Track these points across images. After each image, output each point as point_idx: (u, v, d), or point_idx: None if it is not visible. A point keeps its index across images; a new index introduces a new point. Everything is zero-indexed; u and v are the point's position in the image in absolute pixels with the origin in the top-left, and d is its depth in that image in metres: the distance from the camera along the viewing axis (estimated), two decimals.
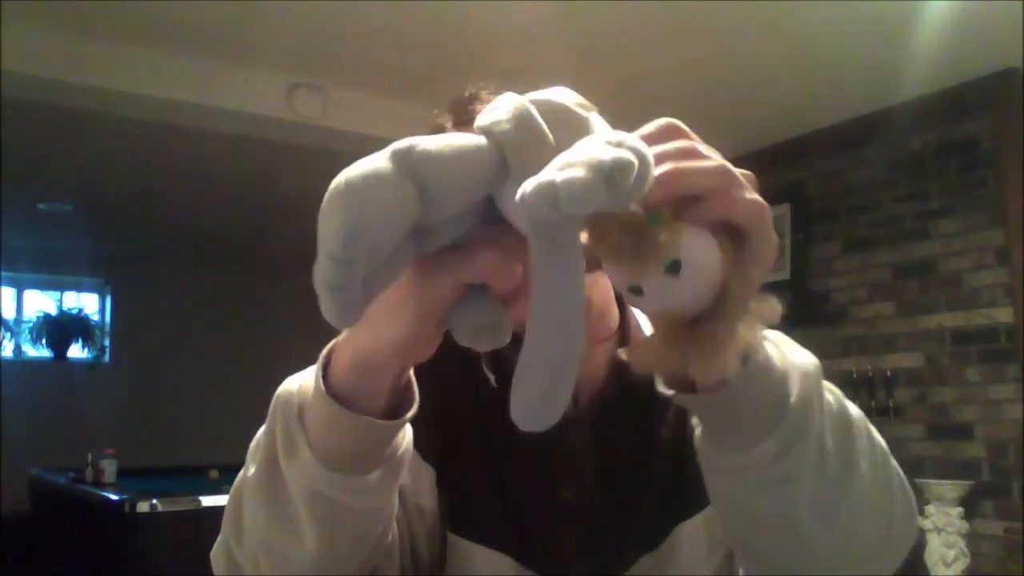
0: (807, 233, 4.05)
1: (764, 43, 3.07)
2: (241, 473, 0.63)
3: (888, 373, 3.67)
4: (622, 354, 0.47)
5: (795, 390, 0.54)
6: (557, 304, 0.43)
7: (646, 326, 0.86)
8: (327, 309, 0.42)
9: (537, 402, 0.44)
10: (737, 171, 0.46)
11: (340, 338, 0.54)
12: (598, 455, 0.78)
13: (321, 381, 0.52)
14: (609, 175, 0.36)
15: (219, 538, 0.66)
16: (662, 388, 0.56)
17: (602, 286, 0.80)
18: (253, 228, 5.59)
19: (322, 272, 0.40)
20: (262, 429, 0.60)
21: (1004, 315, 3.34)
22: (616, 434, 0.78)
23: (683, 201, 0.43)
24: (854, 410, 0.61)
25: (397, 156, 0.40)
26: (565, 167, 0.37)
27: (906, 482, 0.65)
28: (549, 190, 0.36)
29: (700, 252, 0.42)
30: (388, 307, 0.48)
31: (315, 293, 0.42)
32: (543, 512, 0.77)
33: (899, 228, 3.71)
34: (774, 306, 0.46)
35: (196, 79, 3.15)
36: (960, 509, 3.24)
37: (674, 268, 0.41)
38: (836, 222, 3.97)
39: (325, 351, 0.55)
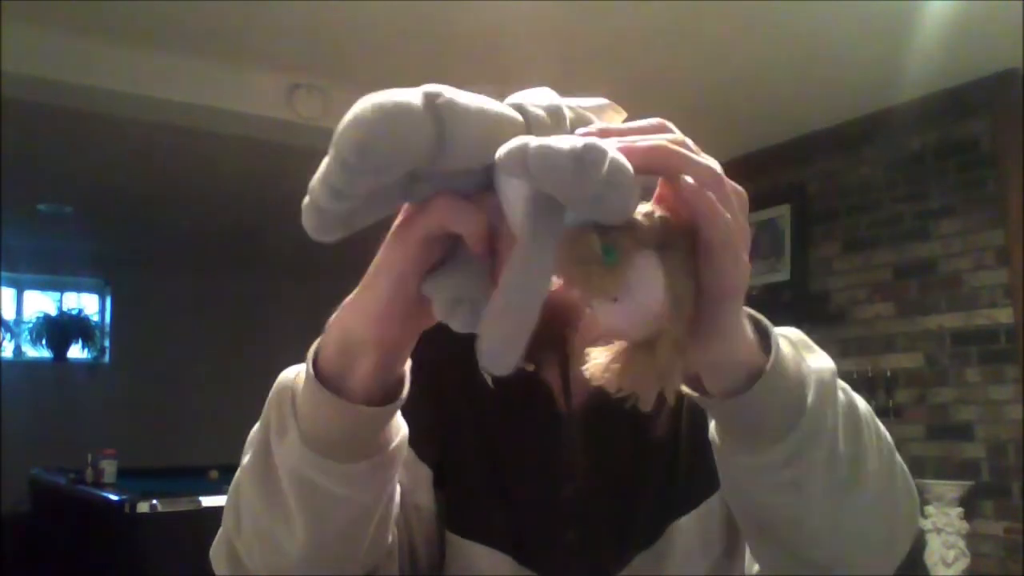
0: (807, 233, 4.05)
1: (764, 43, 3.07)
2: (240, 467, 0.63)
3: (888, 373, 3.67)
4: (585, 370, 0.48)
5: (810, 396, 0.53)
6: (532, 276, 0.44)
7: None
8: (311, 215, 0.45)
9: (499, 349, 0.45)
10: (728, 182, 0.46)
11: (331, 319, 0.54)
12: (594, 454, 0.78)
13: (311, 364, 0.53)
14: (579, 156, 0.38)
15: (219, 534, 0.66)
16: (684, 388, 0.56)
17: None
18: (253, 228, 5.59)
19: (324, 175, 0.43)
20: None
21: (1004, 315, 3.34)
22: (611, 432, 0.79)
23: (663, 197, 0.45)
24: (863, 406, 0.61)
25: (427, 97, 0.42)
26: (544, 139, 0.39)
27: (910, 478, 0.65)
28: (521, 151, 0.39)
29: (645, 288, 0.43)
30: (367, 279, 0.50)
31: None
32: (541, 511, 0.78)
33: (899, 228, 3.72)
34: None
35: (196, 79, 3.15)
36: (960, 509, 3.24)
37: (620, 299, 0.43)
38: (836, 222, 3.97)
39: (319, 339, 0.55)
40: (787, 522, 0.57)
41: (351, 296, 0.53)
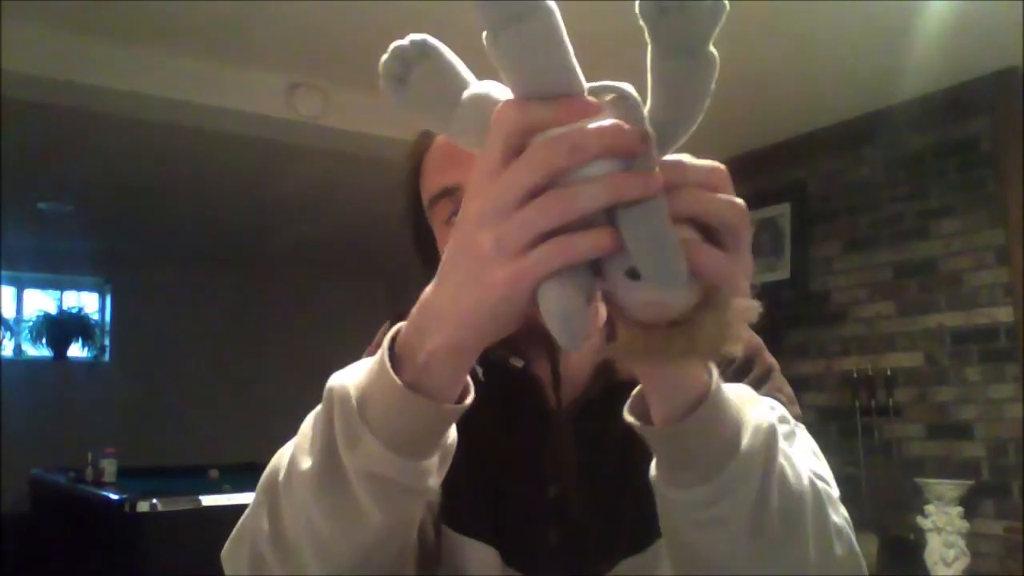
0: (807, 232, 4.05)
1: (764, 43, 3.07)
2: (273, 469, 0.62)
3: (888, 373, 3.67)
4: (606, 350, 0.47)
5: (744, 440, 0.54)
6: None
7: None
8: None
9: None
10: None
11: (406, 332, 0.53)
12: (582, 454, 0.78)
13: (394, 375, 0.52)
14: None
15: (238, 536, 0.65)
16: (626, 415, 0.57)
17: None
18: (253, 228, 5.59)
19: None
20: (307, 423, 0.60)
21: (1004, 315, 3.34)
22: (600, 433, 0.78)
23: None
24: (804, 481, 0.59)
25: None
26: None
27: (863, 564, 0.63)
28: None
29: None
30: (469, 278, 0.46)
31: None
32: (527, 508, 0.78)
33: (899, 228, 3.72)
34: (753, 306, 0.47)
35: (196, 79, 3.15)
36: (960, 508, 3.24)
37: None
38: (836, 222, 3.97)
39: (387, 344, 0.54)
40: (717, 563, 0.57)
41: (450, 304, 0.48)
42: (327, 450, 0.56)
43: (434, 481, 0.58)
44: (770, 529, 0.55)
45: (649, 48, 0.45)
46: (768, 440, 0.55)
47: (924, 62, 3.16)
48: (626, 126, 0.43)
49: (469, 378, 0.56)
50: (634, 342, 0.45)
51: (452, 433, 0.59)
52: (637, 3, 0.42)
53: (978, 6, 2.78)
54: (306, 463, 0.57)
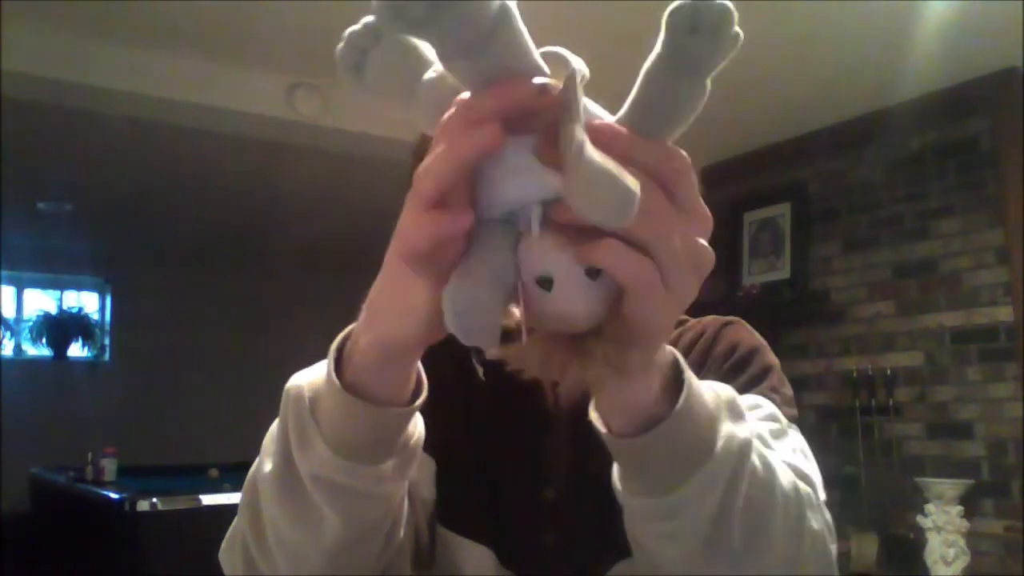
0: (807, 232, 4.05)
1: (764, 43, 3.07)
2: (254, 468, 0.61)
3: (888, 372, 3.67)
4: (498, 350, 0.45)
5: (707, 462, 0.51)
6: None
7: None
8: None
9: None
10: (699, 214, 0.44)
11: (352, 331, 0.52)
12: (579, 456, 0.78)
13: (335, 376, 0.51)
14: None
15: (232, 534, 0.64)
16: (591, 414, 0.55)
17: None
18: (253, 228, 5.59)
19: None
20: (275, 424, 0.59)
21: (1004, 314, 3.34)
22: (598, 436, 0.78)
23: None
24: (777, 492, 0.55)
25: None
26: None
27: (834, 566, 0.61)
28: None
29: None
30: (398, 277, 0.46)
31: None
32: (524, 509, 0.78)
33: (899, 228, 3.72)
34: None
35: (196, 79, 3.15)
36: (960, 508, 3.24)
37: (592, 274, 0.41)
38: (836, 222, 3.97)
39: (336, 345, 0.53)
40: (671, 573, 0.56)
41: (380, 297, 0.49)
42: (283, 452, 0.55)
43: (393, 486, 0.56)
44: (729, 545, 0.52)
45: (657, 56, 0.44)
46: (738, 458, 0.52)
47: (924, 62, 3.16)
48: (518, 82, 0.41)
49: (424, 380, 0.55)
50: (527, 349, 0.44)
51: (417, 433, 0.58)
52: (669, 16, 0.42)
53: (978, 6, 2.78)
54: (267, 465, 0.56)
